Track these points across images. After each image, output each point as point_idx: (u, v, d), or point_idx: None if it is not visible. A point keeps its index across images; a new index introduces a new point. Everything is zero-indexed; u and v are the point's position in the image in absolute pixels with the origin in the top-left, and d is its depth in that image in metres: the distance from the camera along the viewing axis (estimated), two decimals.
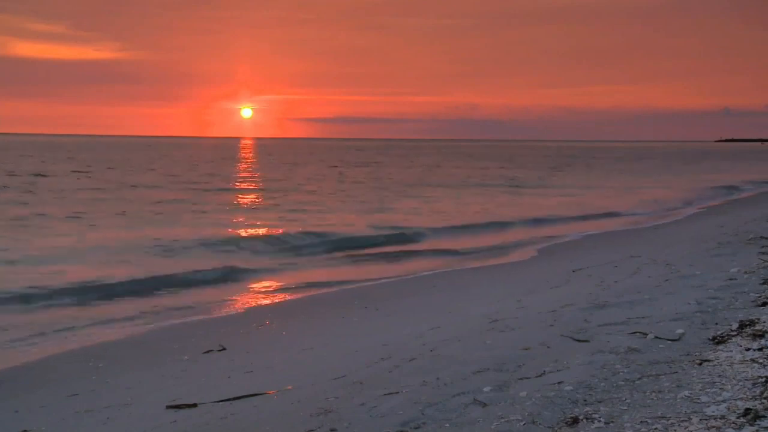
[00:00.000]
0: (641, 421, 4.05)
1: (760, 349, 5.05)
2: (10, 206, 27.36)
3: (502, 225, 23.88)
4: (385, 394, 5.36)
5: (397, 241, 20.04)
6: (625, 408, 4.30)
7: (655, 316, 6.55)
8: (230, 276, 14.87)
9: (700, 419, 3.96)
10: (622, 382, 4.76)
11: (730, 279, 7.99)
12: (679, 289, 7.78)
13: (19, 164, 60.54)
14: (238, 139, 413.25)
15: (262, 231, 21.92)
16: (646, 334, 5.87)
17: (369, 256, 17.75)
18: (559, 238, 19.59)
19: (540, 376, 5.14)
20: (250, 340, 9.44)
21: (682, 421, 3.98)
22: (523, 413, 4.42)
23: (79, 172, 51.06)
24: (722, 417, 3.95)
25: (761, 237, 11.94)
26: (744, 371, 4.66)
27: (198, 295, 13.20)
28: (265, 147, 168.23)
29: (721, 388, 4.40)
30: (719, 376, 4.64)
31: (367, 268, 16.21)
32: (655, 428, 3.94)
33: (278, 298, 13.15)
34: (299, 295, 13.04)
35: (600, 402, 4.44)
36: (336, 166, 67.70)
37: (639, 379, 4.79)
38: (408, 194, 36.23)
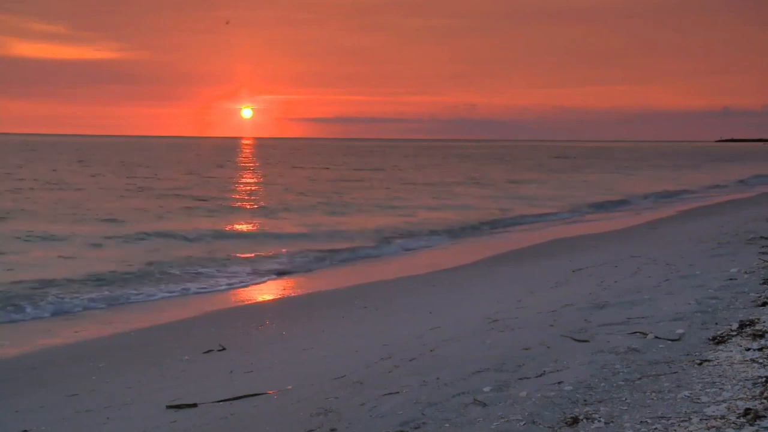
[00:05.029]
0: (641, 421, 4.05)
1: (760, 349, 5.05)
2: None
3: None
4: (385, 394, 5.36)
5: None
6: (625, 408, 4.29)
7: (655, 316, 6.55)
8: (230, 276, 14.87)
9: (700, 419, 3.96)
10: (622, 382, 4.76)
11: (730, 279, 7.99)
12: (679, 289, 7.78)
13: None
14: (238, 139, 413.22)
15: (261, 230, 21.93)
16: (646, 334, 5.87)
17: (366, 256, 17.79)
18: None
19: (540, 376, 5.14)
20: (250, 340, 9.44)
21: (682, 421, 3.98)
22: (523, 413, 4.42)
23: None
24: (722, 417, 3.94)
25: (761, 237, 11.94)
26: (744, 371, 4.65)
27: (198, 295, 13.22)
28: (266, 147, 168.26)
29: (721, 388, 4.40)
30: (719, 376, 4.64)
31: (365, 267, 16.24)
32: (655, 428, 3.94)
33: (278, 298, 13.15)
34: (299, 295, 13.05)
35: (600, 402, 4.44)
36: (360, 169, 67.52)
37: (639, 379, 4.79)
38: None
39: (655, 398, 4.39)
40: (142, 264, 15.74)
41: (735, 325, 5.80)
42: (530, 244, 18.44)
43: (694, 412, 4.08)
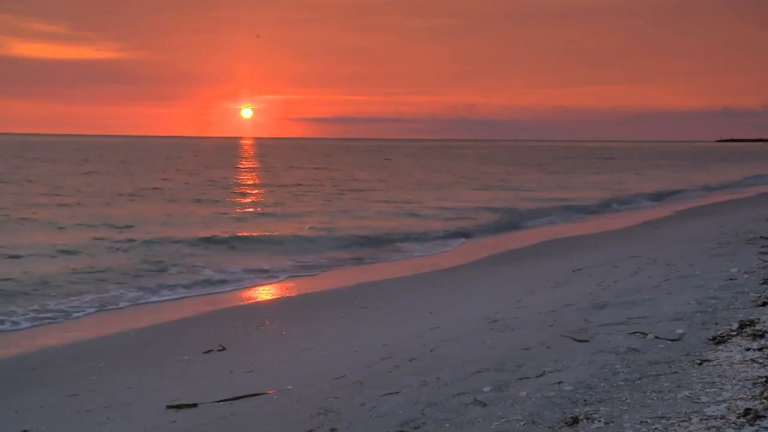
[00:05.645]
0: (641, 421, 4.05)
1: (760, 349, 5.05)
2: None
3: None
4: (385, 394, 5.36)
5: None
6: (625, 408, 4.29)
7: (655, 316, 6.55)
8: (230, 276, 14.87)
9: (700, 419, 3.96)
10: (622, 382, 4.76)
11: (730, 279, 7.99)
12: (679, 289, 7.78)
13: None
14: (238, 139, 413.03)
15: (261, 232, 21.93)
16: (646, 334, 5.87)
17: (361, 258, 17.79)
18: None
19: (540, 376, 5.14)
20: (250, 340, 9.44)
21: (682, 421, 3.98)
22: (523, 413, 4.42)
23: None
24: (722, 417, 3.94)
25: (761, 237, 11.95)
26: (744, 371, 4.65)
27: (197, 295, 13.22)
28: (266, 147, 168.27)
29: (721, 388, 4.40)
30: (719, 376, 4.64)
31: (365, 267, 16.24)
32: (655, 428, 3.94)
33: (278, 298, 13.15)
34: (299, 295, 13.05)
35: (600, 402, 4.44)
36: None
37: (639, 379, 4.79)
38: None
39: (655, 398, 4.39)
40: (142, 265, 15.76)
41: (735, 325, 5.80)
42: (530, 244, 18.46)
43: (694, 412, 4.08)
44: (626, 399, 4.44)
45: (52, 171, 52.52)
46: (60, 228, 21.89)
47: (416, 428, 4.53)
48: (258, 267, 15.83)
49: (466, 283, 12.68)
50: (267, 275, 15.08)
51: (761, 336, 5.37)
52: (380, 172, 57.84)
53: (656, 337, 5.74)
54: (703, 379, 4.62)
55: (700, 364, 4.94)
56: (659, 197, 34.04)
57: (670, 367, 4.96)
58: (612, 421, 4.11)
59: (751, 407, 3.98)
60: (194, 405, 6.36)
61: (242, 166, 68.62)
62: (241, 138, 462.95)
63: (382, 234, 21.16)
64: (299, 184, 43.31)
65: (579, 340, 6.01)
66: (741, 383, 4.43)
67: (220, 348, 8.90)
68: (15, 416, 6.89)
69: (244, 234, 21.22)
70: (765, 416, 3.84)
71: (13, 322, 11.00)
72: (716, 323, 6.02)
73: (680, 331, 5.87)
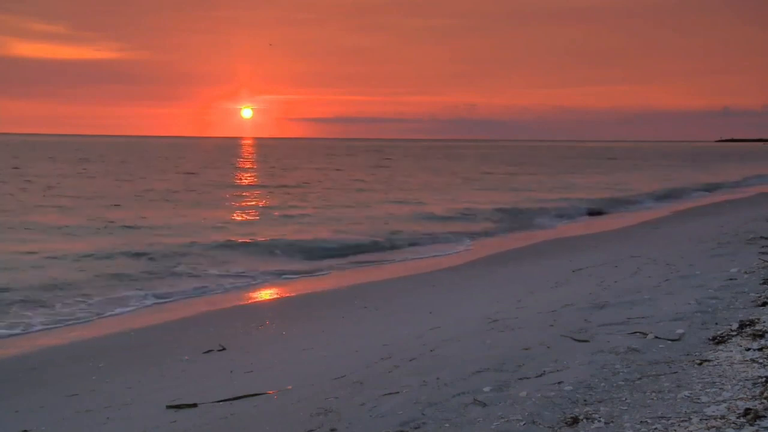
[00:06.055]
0: (641, 421, 4.05)
1: (760, 349, 5.05)
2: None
3: None
4: (385, 394, 5.36)
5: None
6: (625, 408, 4.29)
7: (655, 316, 6.56)
8: (230, 277, 14.88)
9: (700, 419, 3.96)
10: (622, 382, 4.76)
11: (730, 279, 7.99)
12: (679, 289, 7.78)
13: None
14: (238, 139, 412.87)
15: (262, 233, 21.94)
16: (646, 334, 5.87)
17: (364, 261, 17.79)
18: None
19: (540, 376, 5.14)
20: (250, 340, 9.44)
21: (682, 421, 3.98)
22: (523, 413, 4.42)
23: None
24: (722, 417, 3.94)
25: (761, 237, 11.95)
26: (744, 371, 4.65)
27: (198, 296, 13.22)
28: (266, 147, 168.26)
29: (721, 388, 4.40)
30: (719, 376, 4.64)
31: (365, 268, 16.24)
32: (655, 428, 3.94)
33: (278, 298, 13.16)
34: (299, 295, 13.05)
35: (600, 402, 4.44)
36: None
37: (639, 379, 4.79)
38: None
39: (655, 398, 4.39)
40: (142, 266, 15.76)
41: (735, 325, 5.81)
42: (530, 244, 18.46)
43: (694, 412, 4.08)
44: (626, 399, 4.44)
45: (52, 171, 52.53)
46: (60, 229, 21.88)
47: (416, 428, 4.53)
48: (258, 267, 15.83)
49: (466, 283, 12.68)
50: (267, 275, 15.08)
51: (761, 336, 5.37)
52: (381, 173, 57.82)
53: (656, 337, 5.74)
54: (703, 379, 4.62)
55: (700, 364, 4.94)
56: (659, 197, 34.06)
57: (670, 367, 4.96)
58: (612, 421, 4.11)
59: (751, 407, 3.98)
60: (194, 405, 6.36)
61: (242, 167, 68.57)
62: (241, 138, 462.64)
63: (383, 234, 21.15)
64: (299, 185, 43.31)
65: (579, 340, 6.01)
66: (741, 383, 4.43)
67: (220, 348, 8.90)
68: (15, 416, 6.89)
69: (244, 234, 21.21)
70: (765, 416, 3.84)
71: (27, 324, 10.92)
72: (716, 323, 6.02)
73: (680, 331, 5.87)
